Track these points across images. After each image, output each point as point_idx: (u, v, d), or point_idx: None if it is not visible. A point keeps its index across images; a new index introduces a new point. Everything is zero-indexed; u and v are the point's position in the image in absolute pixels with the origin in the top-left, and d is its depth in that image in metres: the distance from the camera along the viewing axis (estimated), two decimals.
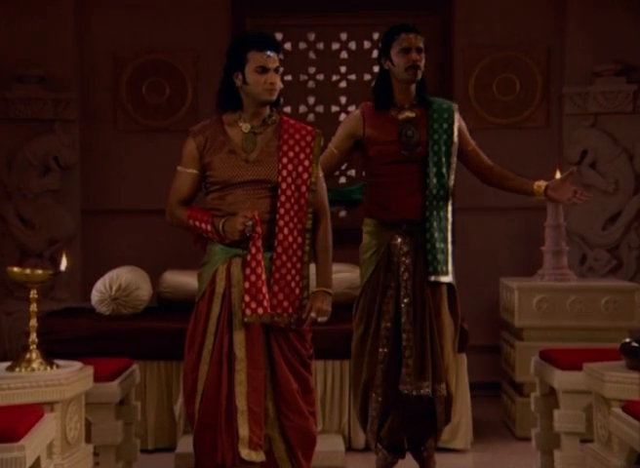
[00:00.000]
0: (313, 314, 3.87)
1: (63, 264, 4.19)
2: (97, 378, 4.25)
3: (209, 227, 3.88)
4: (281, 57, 3.97)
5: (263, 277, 3.81)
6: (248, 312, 3.79)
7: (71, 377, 3.94)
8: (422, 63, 4.46)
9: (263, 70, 3.88)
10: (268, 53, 3.90)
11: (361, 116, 4.58)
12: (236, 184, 3.87)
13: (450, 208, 4.52)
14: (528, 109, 7.28)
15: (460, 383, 5.30)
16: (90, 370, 4.15)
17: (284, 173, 3.89)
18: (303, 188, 3.92)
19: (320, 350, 5.39)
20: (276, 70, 3.91)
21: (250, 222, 3.79)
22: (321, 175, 4.00)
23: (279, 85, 3.93)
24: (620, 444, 3.70)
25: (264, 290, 3.80)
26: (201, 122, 4.06)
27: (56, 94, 7.11)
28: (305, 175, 3.93)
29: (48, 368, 3.95)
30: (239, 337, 3.82)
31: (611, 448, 3.85)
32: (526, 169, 7.06)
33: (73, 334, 5.56)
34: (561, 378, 4.58)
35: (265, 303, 3.80)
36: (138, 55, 7.28)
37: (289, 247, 3.88)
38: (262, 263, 3.82)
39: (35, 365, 3.94)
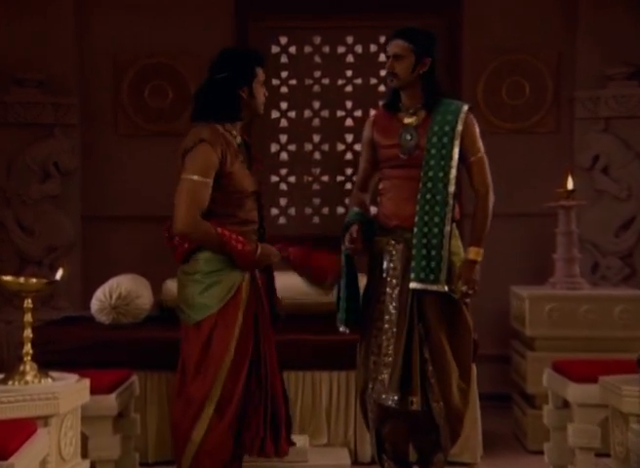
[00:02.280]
0: None
1: (59, 273, 4.07)
2: (93, 391, 4.14)
3: (247, 248, 4.01)
4: None
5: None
6: None
7: (66, 390, 3.82)
8: (399, 70, 4.35)
9: (263, 84, 4.18)
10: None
11: (372, 120, 4.57)
12: (249, 194, 4.12)
13: (450, 215, 4.32)
14: (538, 114, 7.13)
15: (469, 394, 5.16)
16: (86, 383, 4.03)
17: (259, 179, 4.27)
18: None
19: (325, 361, 5.36)
20: None
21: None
22: None
23: None
24: (638, 461, 3.57)
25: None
26: (203, 130, 4.04)
27: (56, 98, 7.00)
28: None
29: (42, 380, 3.83)
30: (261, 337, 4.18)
31: (629, 466, 3.72)
32: (536, 174, 7.00)
33: (72, 344, 5.43)
34: (575, 391, 4.47)
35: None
36: (139, 58, 7.16)
37: None
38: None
39: (29, 377, 3.82)
